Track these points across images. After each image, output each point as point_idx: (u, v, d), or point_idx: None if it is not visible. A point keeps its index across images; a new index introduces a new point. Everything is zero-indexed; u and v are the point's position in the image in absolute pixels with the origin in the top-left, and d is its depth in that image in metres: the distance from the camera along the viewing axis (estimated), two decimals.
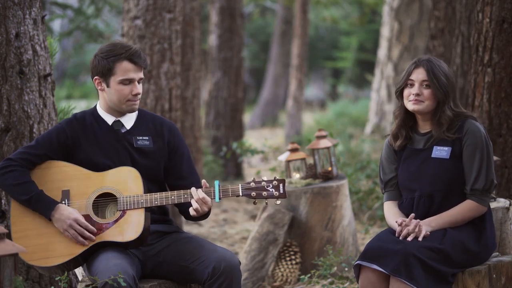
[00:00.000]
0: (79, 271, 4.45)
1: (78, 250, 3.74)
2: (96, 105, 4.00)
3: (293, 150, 5.73)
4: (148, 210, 3.80)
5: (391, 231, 3.82)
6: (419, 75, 3.84)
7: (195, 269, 3.74)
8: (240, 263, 3.75)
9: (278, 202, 3.78)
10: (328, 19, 19.29)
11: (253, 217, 8.38)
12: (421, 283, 3.56)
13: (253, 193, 3.76)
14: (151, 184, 3.89)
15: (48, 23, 11.01)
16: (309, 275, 5.07)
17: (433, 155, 3.83)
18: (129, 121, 3.95)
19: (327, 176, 5.62)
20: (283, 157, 5.76)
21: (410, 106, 3.85)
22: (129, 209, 3.75)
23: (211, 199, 3.77)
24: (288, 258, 5.41)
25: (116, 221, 3.76)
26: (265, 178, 3.78)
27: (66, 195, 3.81)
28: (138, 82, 3.88)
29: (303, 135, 13.81)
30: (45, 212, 3.76)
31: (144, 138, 3.93)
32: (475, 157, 3.76)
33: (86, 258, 3.79)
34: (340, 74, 23.96)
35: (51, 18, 11.90)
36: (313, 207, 5.48)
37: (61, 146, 3.87)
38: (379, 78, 13.84)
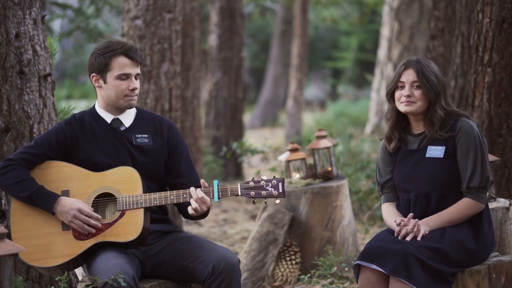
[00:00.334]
0: (79, 271, 4.45)
1: (78, 250, 3.74)
2: (94, 104, 4.00)
3: (293, 150, 5.73)
4: (148, 209, 3.80)
5: (390, 231, 3.82)
6: (409, 76, 3.85)
7: (195, 269, 3.74)
8: (240, 262, 3.75)
9: (277, 201, 3.77)
10: (328, 19, 19.30)
11: (253, 217, 8.38)
12: (421, 282, 3.56)
13: (252, 192, 3.76)
14: (151, 182, 3.90)
15: (48, 23, 11.02)
16: (309, 275, 5.07)
17: (427, 155, 3.84)
18: (128, 118, 3.95)
19: (327, 176, 5.62)
20: (283, 157, 5.76)
21: (402, 107, 3.85)
22: (129, 209, 3.75)
23: (210, 198, 3.77)
24: (288, 258, 5.41)
25: (115, 221, 3.76)
26: (264, 178, 3.78)
27: (65, 195, 3.80)
28: (136, 78, 3.88)
29: (303, 135, 13.81)
30: (47, 206, 3.76)
31: (143, 136, 3.94)
32: (469, 155, 3.77)
33: (86, 258, 3.79)
34: (340, 74, 23.96)
35: (51, 18, 11.90)
36: (313, 207, 5.48)
37: (60, 146, 3.88)
38: (379, 78, 13.85)
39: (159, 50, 6.55)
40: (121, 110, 3.94)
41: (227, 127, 10.94)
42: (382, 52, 13.87)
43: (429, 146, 3.84)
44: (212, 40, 11.01)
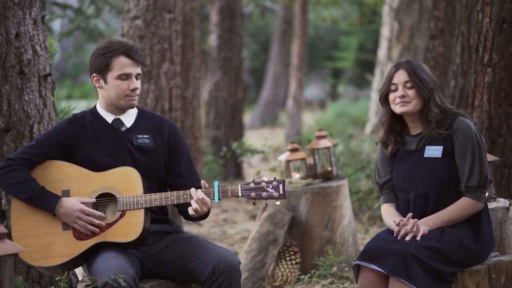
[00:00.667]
0: (79, 271, 4.45)
1: (78, 250, 3.74)
2: (95, 104, 4.00)
3: (293, 150, 5.73)
4: (148, 210, 3.80)
5: (390, 231, 3.82)
6: (400, 77, 3.85)
7: (195, 269, 3.74)
8: (240, 262, 3.75)
9: (278, 203, 3.77)
10: (328, 19, 19.30)
11: (253, 217, 8.38)
12: (420, 282, 3.56)
13: (253, 193, 3.76)
14: (151, 182, 3.90)
15: (48, 23, 11.02)
16: (309, 275, 5.07)
17: (425, 155, 3.84)
18: (129, 119, 3.95)
19: (327, 176, 5.62)
20: (283, 157, 5.76)
21: (398, 109, 3.86)
22: (129, 210, 3.75)
23: (211, 199, 3.77)
24: (288, 258, 5.41)
25: (116, 221, 3.76)
26: (265, 179, 3.78)
27: (66, 195, 3.81)
28: (136, 78, 3.88)
29: (303, 135, 13.82)
30: (48, 208, 3.76)
31: (144, 136, 3.93)
32: (467, 154, 3.77)
33: (86, 258, 3.79)
34: (340, 74, 23.97)
35: (51, 18, 11.90)
36: (313, 207, 5.48)
37: (61, 146, 3.87)
38: (379, 78, 13.85)
39: (159, 50, 6.55)
40: (122, 110, 3.94)
41: (227, 127, 10.94)
42: (382, 52, 13.87)
43: (427, 146, 3.85)
44: (212, 40, 11.01)
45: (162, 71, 6.57)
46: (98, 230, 3.74)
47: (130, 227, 3.73)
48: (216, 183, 3.77)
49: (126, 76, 3.85)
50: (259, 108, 19.80)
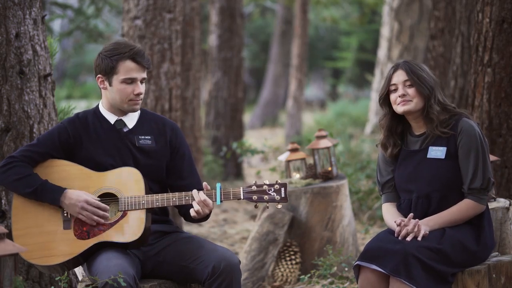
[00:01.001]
0: (79, 271, 4.45)
1: (79, 249, 3.74)
2: (98, 104, 4.00)
3: (293, 150, 5.73)
4: (149, 210, 3.80)
5: (390, 231, 3.82)
6: (399, 76, 3.86)
7: (195, 269, 3.74)
8: (240, 262, 3.75)
9: (279, 206, 3.78)
10: (328, 19, 19.29)
11: (253, 217, 8.38)
12: (421, 283, 3.56)
13: (255, 196, 3.76)
14: (153, 183, 3.90)
15: (48, 23, 11.02)
16: (309, 275, 5.07)
17: (428, 156, 3.83)
18: (131, 120, 3.95)
19: (327, 176, 5.62)
20: (283, 157, 5.76)
21: (399, 108, 3.85)
22: (130, 210, 3.75)
23: (212, 201, 3.77)
24: (288, 258, 5.41)
25: (117, 221, 3.76)
26: (267, 182, 3.78)
27: None
28: (141, 82, 3.88)
29: (303, 135, 13.82)
30: (53, 200, 3.76)
31: (146, 137, 3.93)
32: (471, 156, 3.76)
33: (87, 258, 3.79)
34: (340, 74, 23.97)
35: (51, 18, 11.90)
36: (313, 207, 5.48)
37: (63, 145, 3.87)
38: (379, 78, 13.85)
39: (159, 50, 6.55)
40: (125, 112, 3.94)
41: (227, 127, 10.94)
42: (382, 52, 13.87)
43: (430, 147, 3.84)
44: (212, 40, 11.01)
45: (162, 71, 6.57)
46: (103, 221, 3.74)
47: (132, 227, 3.73)
48: (218, 185, 3.77)
49: (131, 81, 3.85)
50: (259, 108, 19.80)
